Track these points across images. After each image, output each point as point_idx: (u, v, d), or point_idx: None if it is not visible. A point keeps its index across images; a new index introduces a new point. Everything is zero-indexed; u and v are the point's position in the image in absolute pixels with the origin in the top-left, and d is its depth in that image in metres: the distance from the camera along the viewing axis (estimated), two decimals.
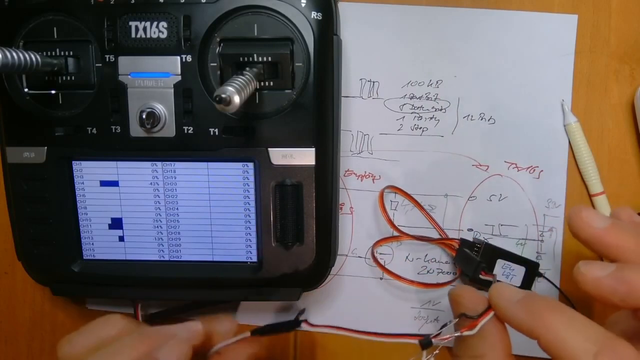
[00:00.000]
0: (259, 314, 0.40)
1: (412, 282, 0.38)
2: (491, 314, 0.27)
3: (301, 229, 0.33)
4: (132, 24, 0.31)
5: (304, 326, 0.32)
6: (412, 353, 0.39)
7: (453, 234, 0.38)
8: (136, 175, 0.34)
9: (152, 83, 0.32)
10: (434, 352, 0.28)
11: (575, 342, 0.23)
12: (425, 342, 0.28)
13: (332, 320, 0.39)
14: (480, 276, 0.35)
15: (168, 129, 0.32)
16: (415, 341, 0.28)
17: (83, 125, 0.33)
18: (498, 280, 0.29)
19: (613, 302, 0.25)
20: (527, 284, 0.37)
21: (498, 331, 0.27)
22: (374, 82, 0.38)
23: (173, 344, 0.29)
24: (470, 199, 0.38)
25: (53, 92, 0.32)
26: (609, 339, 0.23)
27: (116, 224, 0.35)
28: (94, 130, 0.33)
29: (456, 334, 0.27)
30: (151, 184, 0.34)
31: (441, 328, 0.28)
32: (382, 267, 0.38)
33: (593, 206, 0.37)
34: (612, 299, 0.25)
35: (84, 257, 0.35)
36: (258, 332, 0.33)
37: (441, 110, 0.38)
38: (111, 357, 0.28)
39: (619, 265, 0.25)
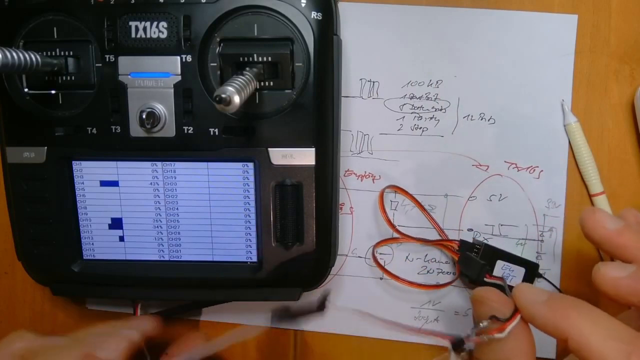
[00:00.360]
0: (258, 314, 0.40)
1: (411, 283, 0.38)
2: (519, 316, 0.27)
3: (301, 229, 0.33)
4: (132, 24, 0.31)
5: (329, 307, 0.31)
6: (412, 354, 0.39)
7: (453, 234, 0.38)
8: (136, 175, 0.34)
9: (152, 83, 0.32)
10: (461, 354, 0.28)
11: (605, 341, 0.23)
12: (457, 343, 0.28)
13: (332, 320, 0.39)
14: (485, 279, 0.35)
15: (168, 129, 0.32)
16: (445, 341, 0.28)
17: (83, 125, 0.33)
18: (510, 285, 0.29)
19: (632, 302, 0.25)
20: None
21: (524, 334, 0.27)
22: (374, 82, 0.38)
23: (111, 341, 0.30)
24: (470, 199, 0.38)
25: (53, 92, 0.32)
26: (638, 338, 0.23)
27: (116, 224, 0.35)
28: (94, 130, 0.33)
29: (488, 337, 0.27)
30: (151, 184, 0.34)
31: (472, 330, 0.28)
32: (383, 268, 0.38)
33: (591, 203, 0.37)
34: (631, 299, 0.25)
35: (84, 257, 0.35)
36: (277, 315, 0.33)
37: (441, 110, 0.38)
38: None
39: (639, 266, 0.25)
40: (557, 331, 0.24)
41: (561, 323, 0.24)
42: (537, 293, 0.26)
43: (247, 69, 0.31)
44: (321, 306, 0.31)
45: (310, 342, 0.40)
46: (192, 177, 0.34)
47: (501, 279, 0.35)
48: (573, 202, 0.38)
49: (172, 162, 0.34)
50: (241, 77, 0.28)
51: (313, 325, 0.40)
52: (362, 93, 0.38)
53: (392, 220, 0.38)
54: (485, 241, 0.38)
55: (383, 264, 0.39)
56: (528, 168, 0.38)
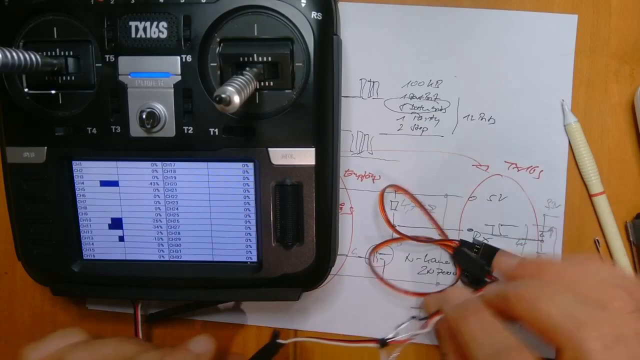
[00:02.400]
0: (259, 313, 0.40)
1: (406, 292, 0.38)
2: (441, 315, 0.31)
3: (301, 229, 0.33)
4: (132, 24, 0.31)
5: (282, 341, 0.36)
6: (412, 354, 0.39)
7: (453, 234, 0.38)
8: (136, 175, 0.34)
9: (152, 83, 0.32)
10: (394, 355, 0.32)
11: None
12: (383, 343, 0.33)
13: (332, 319, 0.39)
14: (486, 279, 0.35)
15: (168, 129, 0.32)
16: (373, 345, 0.32)
17: (83, 125, 0.33)
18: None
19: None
20: None
21: None
22: (374, 82, 0.38)
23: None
24: (470, 199, 0.38)
25: (53, 92, 0.32)
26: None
27: (116, 224, 0.35)
28: (94, 130, 0.33)
29: (413, 334, 0.31)
30: (151, 184, 0.34)
31: (396, 328, 0.30)
32: (379, 276, 0.38)
33: (593, 206, 0.37)
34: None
35: (84, 257, 0.35)
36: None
37: (441, 110, 0.38)
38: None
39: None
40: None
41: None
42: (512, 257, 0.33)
43: (247, 69, 0.31)
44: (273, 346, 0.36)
45: (309, 344, 0.40)
46: (192, 177, 0.34)
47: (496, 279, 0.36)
48: (573, 202, 0.38)
49: (172, 162, 0.34)
50: (241, 77, 0.28)
51: (313, 325, 0.40)
52: (362, 93, 0.38)
53: (392, 221, 0.38)
54: (485, 241, 0.38)
55: (383, 264, 0.39)
56: (528, 168, 0.38)
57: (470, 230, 0.38)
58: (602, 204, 0.37)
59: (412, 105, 0.38)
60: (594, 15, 0.37)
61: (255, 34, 0.31)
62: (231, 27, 0.31)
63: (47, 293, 0.40)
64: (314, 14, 0.31)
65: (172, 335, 0.41)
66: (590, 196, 0.37)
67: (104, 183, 0.34)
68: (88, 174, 0.34)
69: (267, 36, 0.31)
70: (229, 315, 0.40)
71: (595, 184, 0.37)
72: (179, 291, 0.35)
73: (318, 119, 0.32)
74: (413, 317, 0.30)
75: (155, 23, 0.31)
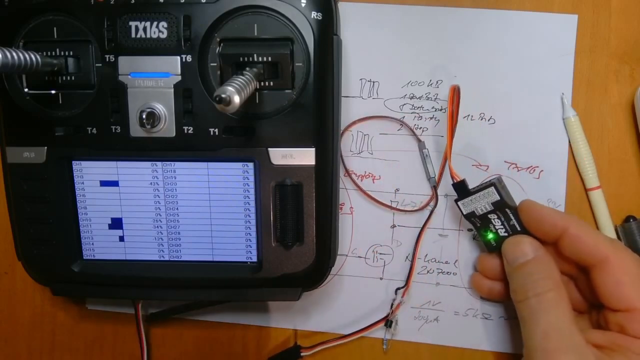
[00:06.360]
0: (259, 313, 0.40)
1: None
2: None
3: (301, 229, 0.33)
4: (132, 24, 0.31)
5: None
6: (412, 354, 0.39)
7: (453, 234, 0.38)
8: (136, 175, 0.34)
9: (152, 83, 0.32)
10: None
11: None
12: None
13: (332, 319, 0.39)
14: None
15: (168, 129, 0.32)
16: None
17: (83, 125, 0.33)
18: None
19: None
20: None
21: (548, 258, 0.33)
22: (374, 82, 0.38)
23: None
24: None
25: (53, 92, 0.32)
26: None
27: (116, 224, 0.35)
28: (94, 130, 0.33)
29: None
30: (151, 184, 0.34)
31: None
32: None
33: (589, 201, 0.37)
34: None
35: (84, 257, 0.35)
36: None
37: (441, 110, 0.38)
38: None
39: None
40: (561, 223, 0.32)
41: (563, 219, 0.32)
42: (538, 203, 0.34)
43: (247, 69, 0.31)
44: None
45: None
46: (192, 177, 0.34)
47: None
48: (573, 202, 0.38)
49: (172, 162, 0.34)
50: (241, 77, 0.28)
51: (313, 324, 0.40)
52: (362, 93, 0.38)
53: (392, 221, 0.38)
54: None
55: (383, 264, 0.39)
56: (528, 168, 0.38)
57: (470, 230, 0.38)
58: (598, 199, 0.37)
59: (412, 105, 0.38)
60: (594, 15, 0.37)
61: (255, 34, 0.31)
62: (231, 27, 0.31)
63: (47, 293, 0.40)
64: (314, 14, 0.31)
65: (172, 335, 0.41)
66: (586, 190, 0.37)
67: (104, 183, 0.34)
68: (88, 174, 0.34)
69: (267, 36, 0.31)
70: (229, 315, 0.40)
71: (592, 178, 0.37)
72: (179, 291, 0.35)
73: (318, 119, 0.32)
74: None
75: (155, 23, 0.31)
